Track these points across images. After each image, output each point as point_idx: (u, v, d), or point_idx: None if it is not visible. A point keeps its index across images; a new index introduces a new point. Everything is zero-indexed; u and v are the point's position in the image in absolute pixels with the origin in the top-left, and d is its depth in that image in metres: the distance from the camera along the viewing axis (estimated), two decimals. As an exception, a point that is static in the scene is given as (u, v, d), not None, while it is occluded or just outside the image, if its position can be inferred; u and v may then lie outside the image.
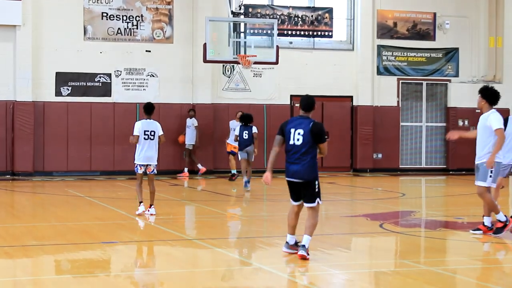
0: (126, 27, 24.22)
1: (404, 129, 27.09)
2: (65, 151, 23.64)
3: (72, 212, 14.89)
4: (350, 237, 12.47)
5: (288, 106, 25.67)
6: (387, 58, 26.74)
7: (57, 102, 23.60)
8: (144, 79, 24.45)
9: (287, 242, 10.01)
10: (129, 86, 24.32)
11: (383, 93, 26.64)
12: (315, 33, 26.06)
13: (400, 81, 26.92)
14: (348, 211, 16.10)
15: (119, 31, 24.18)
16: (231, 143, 21.31)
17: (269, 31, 23.97)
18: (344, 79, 26.33)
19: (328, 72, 26.13)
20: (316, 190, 9.75)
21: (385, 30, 26.71)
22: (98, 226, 12.88)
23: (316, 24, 26.00)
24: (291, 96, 25.82)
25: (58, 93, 23.69)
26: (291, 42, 26.00)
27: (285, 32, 25.74)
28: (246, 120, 19.55)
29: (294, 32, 25.95)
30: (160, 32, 24.55)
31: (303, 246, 9.63)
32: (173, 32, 24.65)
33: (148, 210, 13.88)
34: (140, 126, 13.84)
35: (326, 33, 26.19)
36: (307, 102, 9.83)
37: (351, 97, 26.49)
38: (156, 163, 14.02)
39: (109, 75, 24.13)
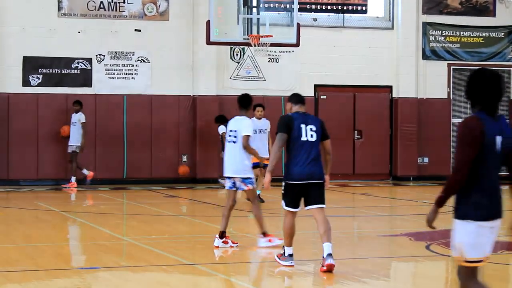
0: (110, 0, 24.27)
1: (456, 127, 27.00)
2: (35, 154, 23.69)
3: (44, 230, 14.86)
4: (389, 262, 12.47)
5: (312, 99, 25.62)
6: (435, 38, 26.70)
7: (24, 94, 23.68)
8: (133, 65, 24.50)
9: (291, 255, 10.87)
10: (114, 74, 24.37)
11: (430, 82, 26.60)
12: (345, 8, 26.06)
13: (452, 67, 26.88)
14: (386, 229, 16.14)
15: (101, 6, 24.23)
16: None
17: (288, 6, 23.98)
18: (382, 65, 26.30)
19: (361, 56, 26.10)
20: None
21: (433, 4, 26.68)
22: (76, 248, 12.88)
23: (347, -3, 26.03)
24: (315, 86, 25.81)
25: (26, 82, 23.77)
26: (315, 19, 26.00)
27: (308, 6, 25.74)
28: None
29: (319, 7, 25.95)
30: (152, 7, 24.59)
31: (330, 254, 10.42)
32: (168, 7, 24.69)
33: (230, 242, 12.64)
34: (227, 126, 12.97)
35: (359, 8, 26.19)
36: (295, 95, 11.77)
37: (390, 87, 26.49)
38: (245, 177, 12.60)
39: (90, 60, 24.18)
